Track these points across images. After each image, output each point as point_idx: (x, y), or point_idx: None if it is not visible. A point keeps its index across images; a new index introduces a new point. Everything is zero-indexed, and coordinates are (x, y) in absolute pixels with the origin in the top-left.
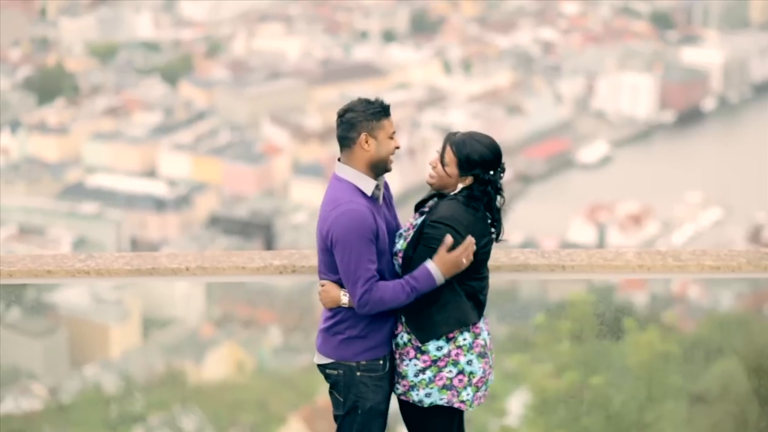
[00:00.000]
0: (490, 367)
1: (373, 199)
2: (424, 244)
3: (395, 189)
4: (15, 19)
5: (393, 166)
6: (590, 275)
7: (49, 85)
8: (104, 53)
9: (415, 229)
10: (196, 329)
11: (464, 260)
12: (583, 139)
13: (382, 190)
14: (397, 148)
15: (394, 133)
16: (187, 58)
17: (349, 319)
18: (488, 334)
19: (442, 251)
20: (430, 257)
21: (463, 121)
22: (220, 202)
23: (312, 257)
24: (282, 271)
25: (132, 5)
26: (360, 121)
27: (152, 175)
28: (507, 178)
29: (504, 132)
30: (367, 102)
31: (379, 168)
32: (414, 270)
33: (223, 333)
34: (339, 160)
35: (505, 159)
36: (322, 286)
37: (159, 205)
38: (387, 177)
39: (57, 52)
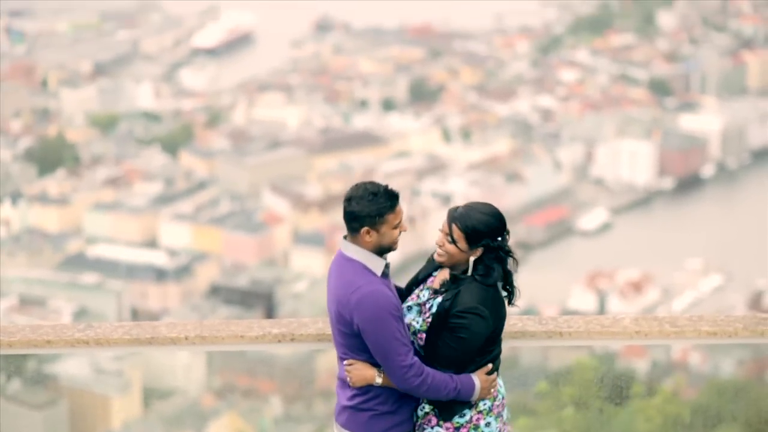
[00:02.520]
0: (504, 423)
1: (382, 276)
2: (453, 333)
3: (394, 258)
4: (16, 91)
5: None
6: (588, 342)
7: (50, 156)
8: (105, 124)
9: (430, 311)
10: (197, 399)
11: (492, 390)
12: (582, 206)
13: (389, 267)
14: (404, 231)
15: (399, 221)
16: (187, 128)
17: (381, 395)
18: (502, 389)
19: (483, 372)
20: (458, 346)
21: (462, 189)
22: (220, 271)
23: (310, 325)
24: (281, 339)
25: (133, 76)
26: (363, 216)
27: (153, 245)
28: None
29: (504, 200)
30: (373, 195)
31: (383, 250)
32: (441, 356)
33: (224, 403)
34: (345, 237)
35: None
36: (350, 365)
37: (159, 274)
38: None
39: (58, 122)
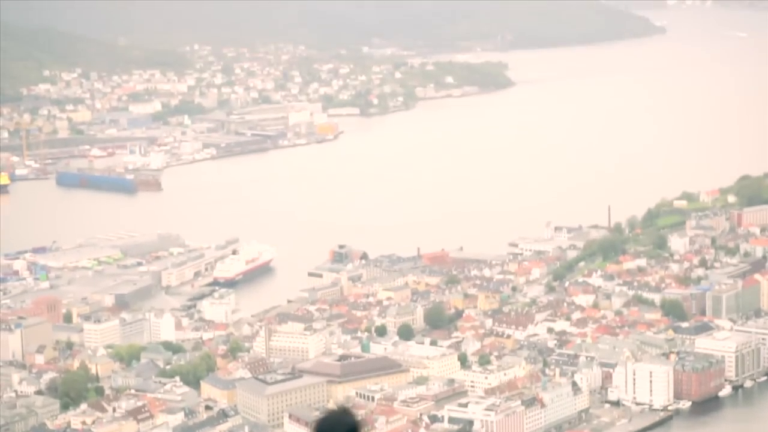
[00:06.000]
0: None
1: None
2: None
3: None
4: (40, 326)
5: None
6: None
7: (73, 389)
8: (127, 356)
9: None
10: None
11: None
12: (601, 429)
13: None
14: None
15: None
16: (208, 358)
17: None
18: None
19: None
20: None
21: (481, 415)
22: None
23: None
24: None
25: (154, 309)
26: None
27: None
28: None
29: (523, 425)
30: None
31: None
32: None
33: None
34: None
35: None
36: None
37: None
38: None
39: (81, 356)
